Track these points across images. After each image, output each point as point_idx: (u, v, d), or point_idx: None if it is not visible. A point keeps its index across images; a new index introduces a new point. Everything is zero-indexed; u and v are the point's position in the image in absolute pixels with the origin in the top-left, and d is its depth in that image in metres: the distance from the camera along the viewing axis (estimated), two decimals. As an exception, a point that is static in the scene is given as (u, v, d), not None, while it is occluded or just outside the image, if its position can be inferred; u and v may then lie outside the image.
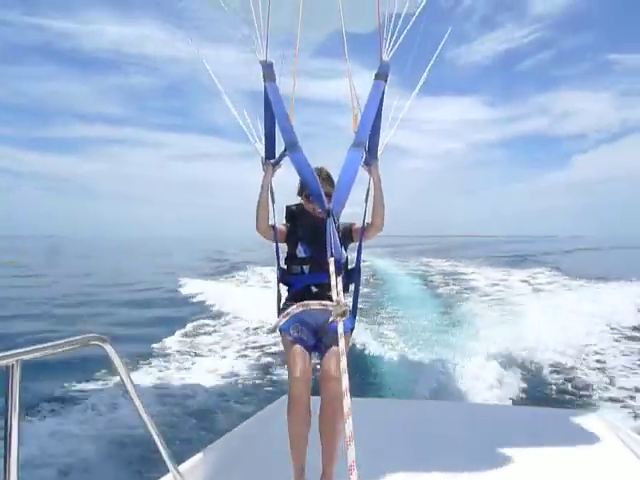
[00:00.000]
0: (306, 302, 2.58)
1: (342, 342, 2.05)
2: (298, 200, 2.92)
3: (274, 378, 8.43)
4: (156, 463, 1.67)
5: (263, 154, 2.84)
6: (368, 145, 2.77)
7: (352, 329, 2.73)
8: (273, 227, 2.82)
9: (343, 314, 2.14)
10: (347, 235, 2.83)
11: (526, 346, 9.61)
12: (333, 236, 2.46)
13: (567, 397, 7.67)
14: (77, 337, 1.48)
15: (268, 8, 2.83)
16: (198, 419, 6.49)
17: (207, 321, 13.59)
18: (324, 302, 2.44)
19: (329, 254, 2.40)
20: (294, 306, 2.54)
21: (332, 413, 2.34)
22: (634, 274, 19.71)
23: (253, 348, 10.54)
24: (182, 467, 2.11)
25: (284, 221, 2.91)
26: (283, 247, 2.88)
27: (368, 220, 2.77)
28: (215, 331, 12.43)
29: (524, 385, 7.86)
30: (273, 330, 2.49)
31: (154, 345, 10.81)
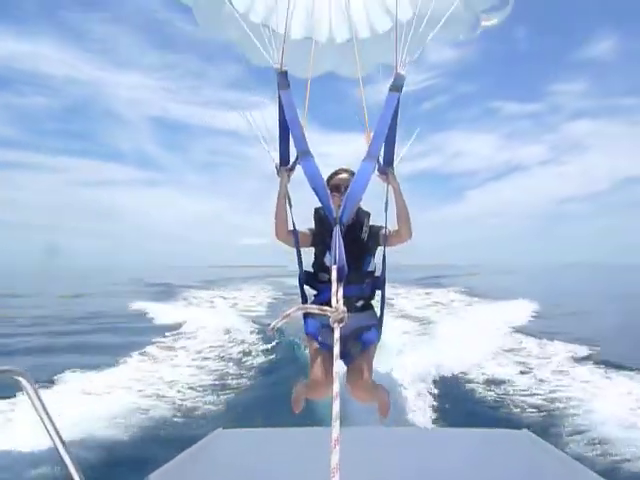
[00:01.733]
0: (304, 305, 2.54)
1: (368, 354, 2.60)
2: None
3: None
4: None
5: (277, 161, 2.79)
6: (384, 155, 2.73)
7: (379, 340, 2.76)
8: (294, 232, 2.75)
9: (341, 320, 2.10)
10: (376, 238, 2.80)
11: (444, 362, 10.21)
12: (339, 245, 2.34)
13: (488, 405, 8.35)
14: None
15: (286, 20, 2.99)
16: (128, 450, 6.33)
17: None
18: (323, 307, 2.20)
19: (332, 261, 2.29)
20: (293, 307, 2.27)
21: (366, 395, 2.70)
22: (523, 295, 22.93)
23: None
24: None
25: (311, 224, 2.87)
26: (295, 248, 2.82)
27: (390, 228, 2.77)
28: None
29: (446, 401, 8.24)
30: (271, 330, 2.39)
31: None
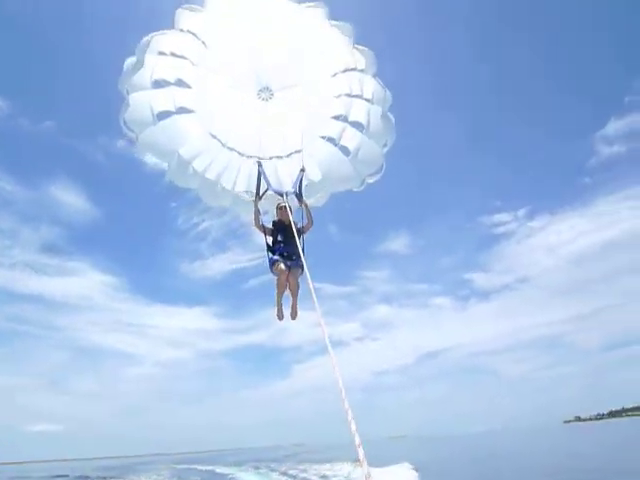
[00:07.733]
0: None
1: (297, 271, 7.46)
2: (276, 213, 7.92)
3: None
4: None
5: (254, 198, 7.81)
6: (299, 196, 7.85)
7: (302, 267, 6.89)
8: (263, 226, 7.74)
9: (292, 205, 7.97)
10: (298, 229, 7.34)
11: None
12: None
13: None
14: None
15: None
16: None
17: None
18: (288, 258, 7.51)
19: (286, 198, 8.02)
20: (277, 256, 7.48)
21: (294, 283, 7.40)
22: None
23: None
24: None
25: (271, 225, 7.85)
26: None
27: (304, 223, 7.76)
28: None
29: None
30: (270, 264, 7.33)
31: None
